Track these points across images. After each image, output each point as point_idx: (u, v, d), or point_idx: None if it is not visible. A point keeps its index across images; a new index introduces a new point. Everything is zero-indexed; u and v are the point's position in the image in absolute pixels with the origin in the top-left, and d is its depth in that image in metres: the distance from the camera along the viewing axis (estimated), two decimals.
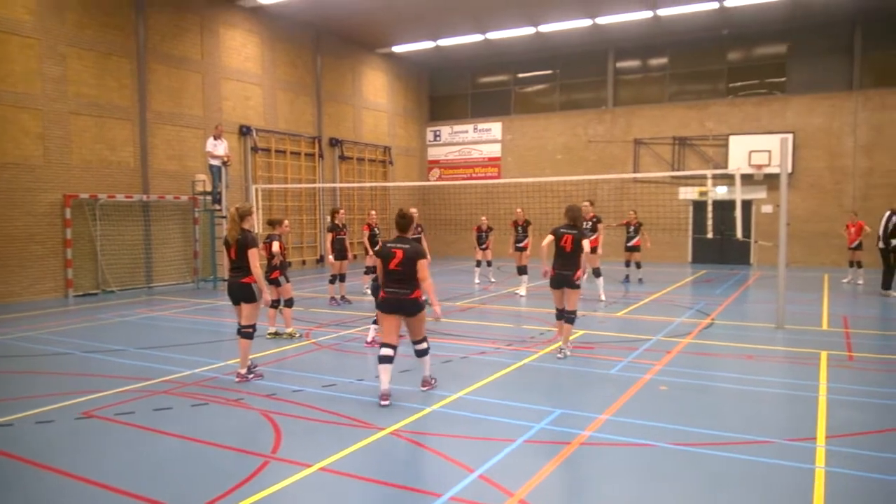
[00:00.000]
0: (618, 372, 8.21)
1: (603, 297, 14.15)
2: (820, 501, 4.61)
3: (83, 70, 16.14)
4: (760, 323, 11.58)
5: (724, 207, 20.49)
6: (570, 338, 9.30)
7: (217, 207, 17.32)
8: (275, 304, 10.50)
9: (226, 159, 17.03)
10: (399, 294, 6.85)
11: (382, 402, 6.78)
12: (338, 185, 23.03)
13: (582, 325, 10.63)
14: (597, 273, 14.47)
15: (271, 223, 10.59)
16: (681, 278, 18.81)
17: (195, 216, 18.52)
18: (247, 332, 7.93)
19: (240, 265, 7.88)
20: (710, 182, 13.14)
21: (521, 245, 15.83)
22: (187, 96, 18.70)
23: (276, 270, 10.40)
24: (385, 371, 6.88)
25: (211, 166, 17.00)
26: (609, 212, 20.88)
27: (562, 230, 9.01)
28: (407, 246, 6.90)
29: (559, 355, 8.87)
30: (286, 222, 10.78)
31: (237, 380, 7.86)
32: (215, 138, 16.85)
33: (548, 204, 18.85)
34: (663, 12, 20.55)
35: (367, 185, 24.41)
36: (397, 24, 22.58)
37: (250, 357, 8.24)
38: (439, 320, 7.58)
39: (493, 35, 23.24)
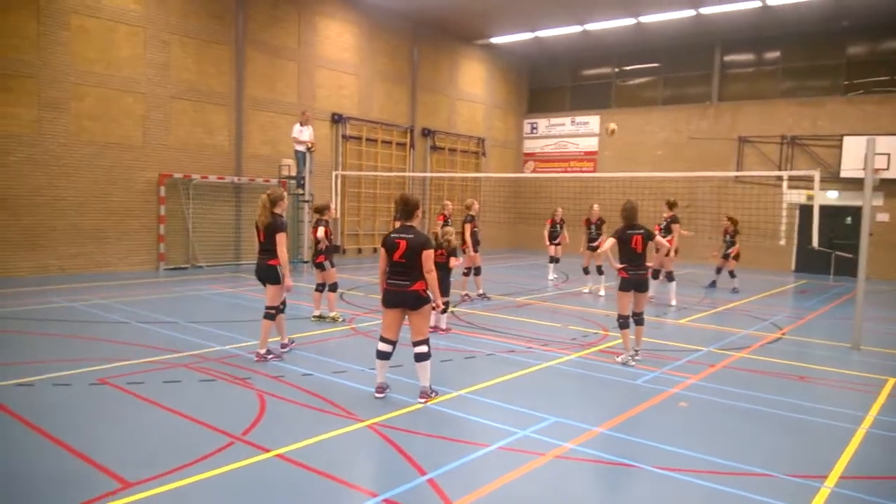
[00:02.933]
0: (643, 383, 7.71)
1: (674, 302, 13.41)
2: None
3: (185, 57, 17.09)
4: (835, 342, 10.48)
5: (833, 213, 18.91)
6: (610, 344, 9.10)
7: (300, 192, 17.89)
8: (319, 288, 10.76)
9: (310, 145, 17.50)
10: (399, 286, 6.58)
11: (377, 395, 6.72)
12: (427, 174, 23.14)
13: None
14: (670, 277, 13.70)
15: (318, 209, 10.75)
16: (774, 287, 17.47)
17: None
18: (269, 314, 8.13)
19: (268, 247, 8.12)
20: (785, 185, 11.94)
21: (594, 245, 14.85)
22: (282, 84, 19.38)
23: (322, 255, 10.56)
24: (382, 366, 6.78)
25: (296, 152, 17.54)
26: (707, 212, 19.74)
27: (629, 231, 8.56)
28: (411, 236, 6.59)
29: (638, 357, 8.63)
30: (332, 207, 10.93)
31: (256, 359, 8.06)
32: (301, 125, 17.35)
33: (643, 201, 17.92)
34: (773, 2, 18.99)
35: (458, 175, 24.21)
36: (495, 14, 22.29)
37: (288, 337, 8.55)
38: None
39: (592, 27, 22.44)
